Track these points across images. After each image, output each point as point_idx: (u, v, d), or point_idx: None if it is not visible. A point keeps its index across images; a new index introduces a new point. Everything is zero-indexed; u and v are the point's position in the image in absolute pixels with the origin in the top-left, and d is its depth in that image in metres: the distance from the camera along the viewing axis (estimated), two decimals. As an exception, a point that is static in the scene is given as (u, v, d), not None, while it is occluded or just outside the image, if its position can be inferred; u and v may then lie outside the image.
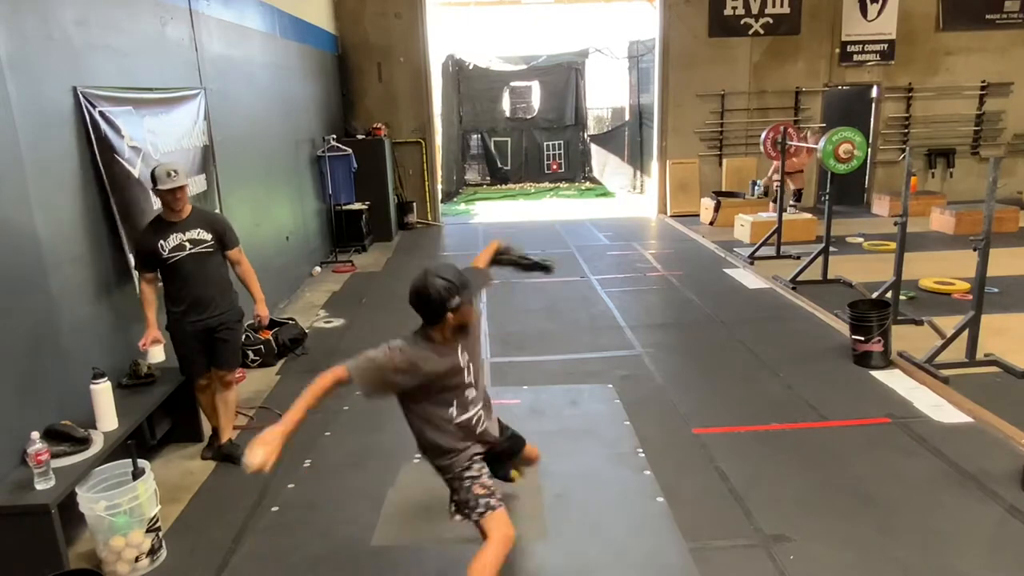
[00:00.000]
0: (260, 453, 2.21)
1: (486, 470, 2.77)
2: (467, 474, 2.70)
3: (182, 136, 4.98)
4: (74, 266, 3.72)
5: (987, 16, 11.40)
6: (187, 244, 3.83)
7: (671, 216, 11.87)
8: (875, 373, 5.11)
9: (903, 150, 11.28)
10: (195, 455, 4.21)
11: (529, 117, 17.10)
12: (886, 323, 5.16)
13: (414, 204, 11.77)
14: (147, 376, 3.99)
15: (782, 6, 11.31)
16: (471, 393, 2.70)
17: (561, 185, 16.49)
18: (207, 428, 4.35)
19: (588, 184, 16.75)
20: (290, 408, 2.36)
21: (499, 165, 17.10)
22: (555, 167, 17.08)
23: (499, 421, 2.98)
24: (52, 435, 3.17)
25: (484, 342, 6.02)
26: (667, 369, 5.41)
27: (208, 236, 3.90)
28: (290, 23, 8.31)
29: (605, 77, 16.98)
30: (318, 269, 8.88)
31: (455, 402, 2.66)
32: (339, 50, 11.12)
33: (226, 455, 4.10)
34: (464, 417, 2.71)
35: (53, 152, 3.61)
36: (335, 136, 9.71)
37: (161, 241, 3.77)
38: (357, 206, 9.92)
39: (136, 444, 3.39)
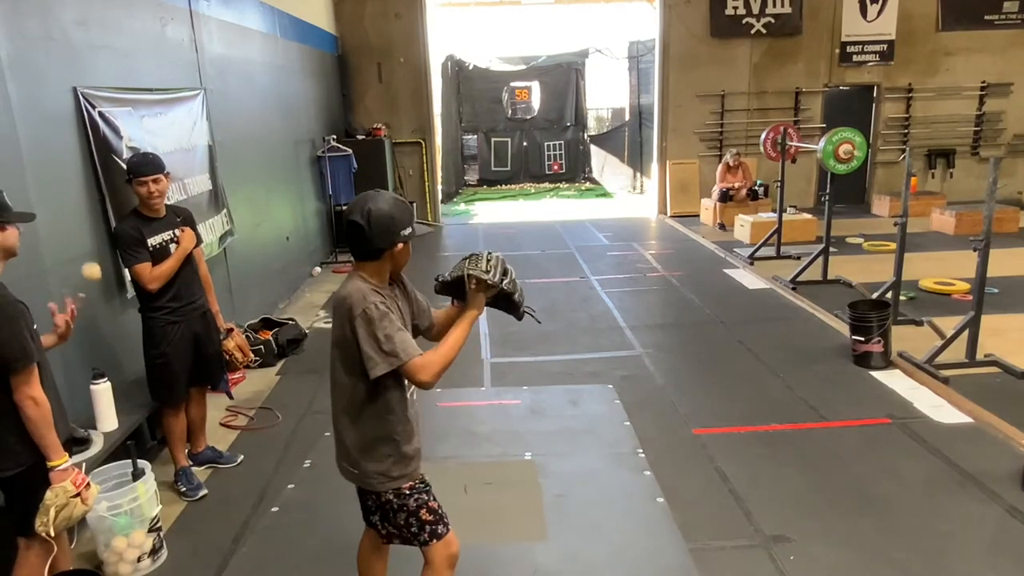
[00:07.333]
0: None
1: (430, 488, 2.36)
2: (415, 494, 2.29)
3: (181, 136, 4.98)
4: (73, 266, 3.72)
5: (986, 16, 11.40)
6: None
7: (671, 217, 11.88)
8: (875, 373, 5.11)
9: (903, 150, 11.27)
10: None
11: (529, 117, 17.09)
12: (886, 323, 5.16)
13: (414, 204, 11.77)
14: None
15: (783, 6, 11.31)
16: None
17: (561, 185, 16.48)
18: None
19: (588, 184, 16.74)
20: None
21: (499, 165, 17.10)
22: (555, 167, 17.07)
23: None
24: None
25: (484, 342, 6.02)
26: (667, 369, 5.41)
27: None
28: (290, 23, 8.31)
29: (605, 77, 17.00)
30: (318, 269, 8.88)
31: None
32: (339, 50, 11.12)
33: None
34: (412, 398, 2.33)
35: (54, 152, 3.61)
36: (335, 136, 9.71)
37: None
38: (357, 206, 9.90)
39: (135, 444, 3.39)
